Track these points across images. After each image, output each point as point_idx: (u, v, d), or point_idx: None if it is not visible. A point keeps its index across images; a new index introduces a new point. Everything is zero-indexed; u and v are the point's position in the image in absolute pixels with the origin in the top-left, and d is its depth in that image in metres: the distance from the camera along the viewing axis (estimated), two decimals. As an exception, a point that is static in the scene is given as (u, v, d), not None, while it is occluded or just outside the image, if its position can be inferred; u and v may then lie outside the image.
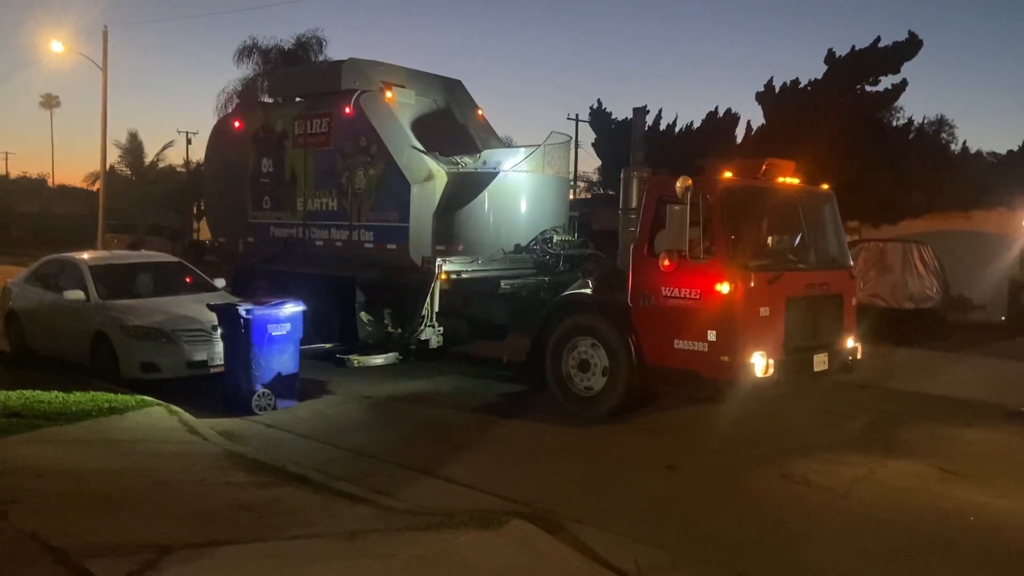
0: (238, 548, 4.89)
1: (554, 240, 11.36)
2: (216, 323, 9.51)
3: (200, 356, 9.81)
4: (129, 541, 4.83)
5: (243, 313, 8.90)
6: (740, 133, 24.30)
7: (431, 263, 10.54)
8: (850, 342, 9.15)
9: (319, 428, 8.46)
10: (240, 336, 8.92)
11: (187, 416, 8.28)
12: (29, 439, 7.10)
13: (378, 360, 10.63)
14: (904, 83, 21.60)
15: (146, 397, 8.82)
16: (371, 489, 6.29)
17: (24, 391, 8.61)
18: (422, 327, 10.49)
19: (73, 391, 8.82)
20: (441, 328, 10.67)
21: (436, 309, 10.56)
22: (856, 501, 6.52)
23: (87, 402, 8.42)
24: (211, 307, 9.46)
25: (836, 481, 6.95)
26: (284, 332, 9.15)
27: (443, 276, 10.44)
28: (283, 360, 9.17)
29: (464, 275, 10.67)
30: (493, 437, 8.41)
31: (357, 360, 10.54)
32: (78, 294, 10.52)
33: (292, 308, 9.28)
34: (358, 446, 7.78)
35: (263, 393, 8.96)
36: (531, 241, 11.46)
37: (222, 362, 9.49)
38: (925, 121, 23.63)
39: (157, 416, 8.28)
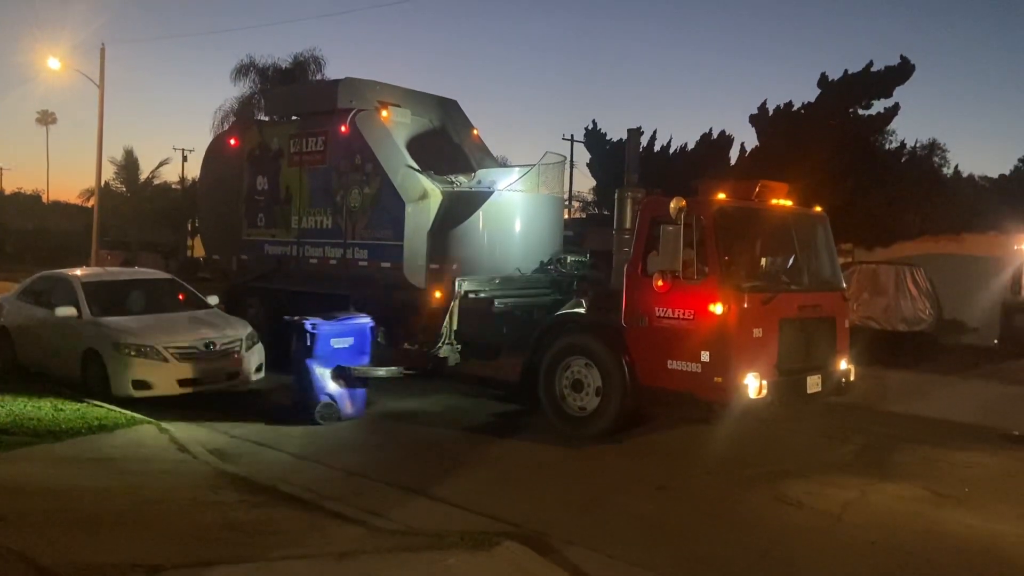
0: (228, 568, 4.86)
1: (568, 260, 11.46)
2: (208, 341, 9.81)
3: (192, 374, 9.78)
4: (118, 561, 4.78)
5: (308, 327, 9.26)
6: (734, 155, 24.50)
7: (442, 282, 10.76)
8: (843, 364, 9.15)
9: (310, 447, 8.40)
10: (305, 349, 9.28)
11: (178, 434, 8.23)
12: (18, 456, 7.05)
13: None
14: (896, 107, 21.83)
15: (136, 415, 8.78)
16: (362, 509, 6.25)
17: (13, 408, 8.55)
18: (440, 345, 10.63)
19: (63, 408, 8.77)
20: (459, 346, 10.78)
21: (455, 327, 10.68)
22: (849, 524, 6.50)
23: (77, 419, 8.38)
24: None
25: (829, 504, 6.93)
26: (347, 345, 9.50)
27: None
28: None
29: (482, 295, 10.77)
30: (485, 457, 8.37)
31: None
32: (70, 311, 10.46)
33: (358, 322, 9.66)
34: (349, 465, 7.74)
35: (326, 403, 9.27)
36: (548, 261, 11.56)
37: (215, 381, 9.77)
38: (917, 145, 23.87)
39: (147, 434, 8.23)
